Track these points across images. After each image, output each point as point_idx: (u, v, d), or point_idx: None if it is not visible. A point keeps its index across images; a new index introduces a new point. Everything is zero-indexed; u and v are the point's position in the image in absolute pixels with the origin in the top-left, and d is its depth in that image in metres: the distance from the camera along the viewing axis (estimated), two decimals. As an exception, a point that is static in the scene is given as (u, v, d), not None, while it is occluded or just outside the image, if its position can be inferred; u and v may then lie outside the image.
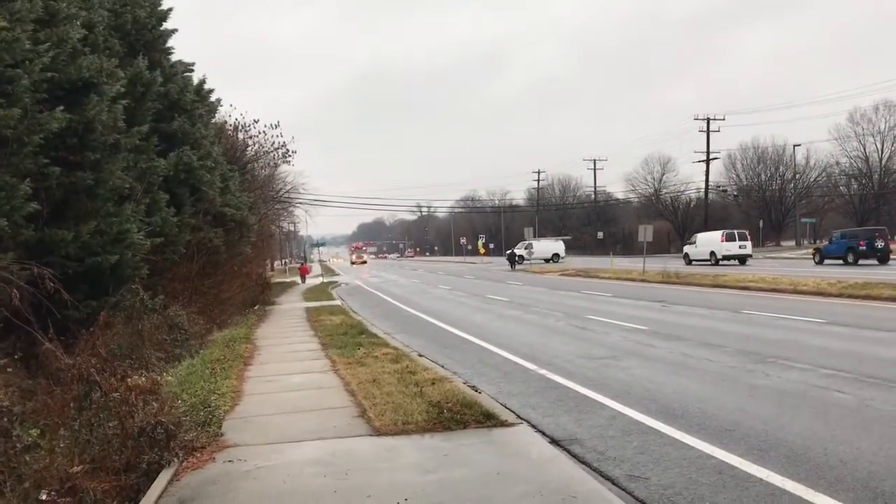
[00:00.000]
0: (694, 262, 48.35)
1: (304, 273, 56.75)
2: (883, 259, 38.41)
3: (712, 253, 47.07)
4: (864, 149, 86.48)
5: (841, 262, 40.05)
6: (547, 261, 65.37)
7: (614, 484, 6.21)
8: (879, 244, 38.71)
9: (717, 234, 48.74)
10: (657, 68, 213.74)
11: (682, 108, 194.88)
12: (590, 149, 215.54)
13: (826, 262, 41.39)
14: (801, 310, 18.67)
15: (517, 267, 58.36)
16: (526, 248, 63.55)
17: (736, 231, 48.47)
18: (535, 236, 66.99)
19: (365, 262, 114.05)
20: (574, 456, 6.98)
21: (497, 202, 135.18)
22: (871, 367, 10.62)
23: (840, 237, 42.22)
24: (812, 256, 44.67)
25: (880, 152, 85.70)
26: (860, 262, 38.77)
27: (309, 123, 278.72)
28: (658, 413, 8.47)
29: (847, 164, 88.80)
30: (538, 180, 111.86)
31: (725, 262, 45.11)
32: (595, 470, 6.56)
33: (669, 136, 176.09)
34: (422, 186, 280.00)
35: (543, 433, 7.80)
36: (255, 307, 26.15)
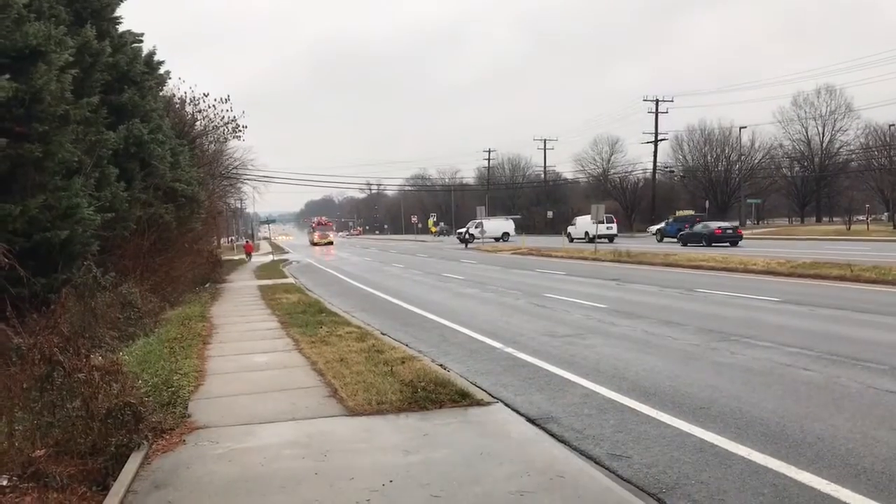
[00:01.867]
0: (575, 240, 56.80)
1: (248, 251, 56.34)
2: (709, 241, 44.07)
3: (586, 233, 55.38)
4: (807, 132, 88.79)
5: (675, 240, 49.14)
6: (497, 239, 65.72)
7: (597, 463, 6.16)
8: (699, 228, 46.81)
9: (589, 218, 54.15)
10: (611, 51, 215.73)
11: (633, 90, 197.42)
12: (541, 129, 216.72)
13: (665, 240, 53.23)
14: (755, 288, 19.02)
15: (469, 246, 58.44)
16: (477, 227, 63.89)
17: (605, 214, 54.37)
18: (486, 215, 67.45)
19: (331, 242, 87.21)
20: (553, 435, 6.91)
21: (447, 181, 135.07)
22: (832, 344, 10.82)
23: (673, 221, 56.29)
24: (656, 235, 57.80)
25: (821, 136, 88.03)
26: (714, 244, 43.26)
27: (266, 100, 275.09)
28: (630, 391, 8.47)
29: (790, 147, 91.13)
30: (489, 159, 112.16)
31: (599, 240, 49.95)
32: (576, 449, 6.50)
33: (619, 117, 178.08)
34: (373, 164, 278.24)
35: (518, 412, 7.72)
36: (207, 285, 25.61)
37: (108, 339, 12.00)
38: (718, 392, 8.28)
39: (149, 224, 18.48)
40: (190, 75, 65.75)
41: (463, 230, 66.22)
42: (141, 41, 20.87)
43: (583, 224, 56.81)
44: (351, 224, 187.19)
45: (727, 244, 42.37)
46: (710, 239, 43.57)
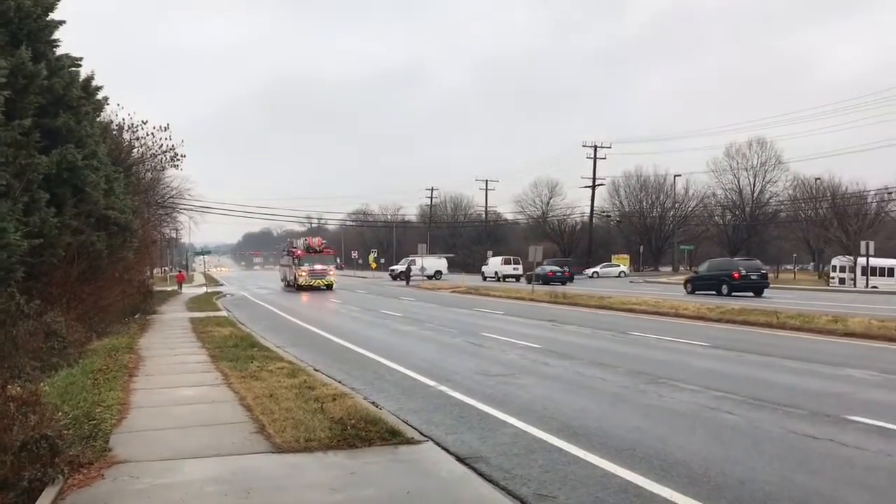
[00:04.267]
0: (487, 279, 64.26)
1: (180, 281, 55.73)
2: (545, 281, 51.67)
3: (496, 272, 64.95)
4: (738, 182, 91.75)
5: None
6: (430, 277, 66.04)
7: (523, 503, 6.18)
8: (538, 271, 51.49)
9: (499, 259, 68.05)
10: (558, 97, 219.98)
11: (576, 135, 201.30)
12: (485, 170, 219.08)
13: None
14: (686, 332, 19.44)
15: (410, 283, 58.48)
16: (409, 264, 64.93)
17: (511, 257, 67.52)
18: (427, 252, 68.34)
19: (331, 285, 49.21)
20: (481, 474, 6.91)
21: (389, 217, 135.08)
22: (756, 389, 11.11)
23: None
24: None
25: (752, 185, 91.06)
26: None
27: (213, 131, 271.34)
28: (559, 431, 8.53)
29: (723, 196, 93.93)
30: (431, 198, 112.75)
31: (507, 279, 62.18)
32: (503, 489, 6.50)
33: (560, 161, 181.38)
34: (314, 198, 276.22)
35: (448, 451, 7.69)
36: (137, 316, 24.95)
37: (29, 370, 11.58)
38: (645, 434, 8.41)
39: (79, 252, 17.98)
40: (137, 104, 64.88)
41: (396, 267, 67.90)
42: (79, 65, 20.50)
43: (493, 264, 67.06)
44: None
45: (558, 284, 50.42)
46: (545, 280, 51.68)
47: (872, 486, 6.55)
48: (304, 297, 42.35)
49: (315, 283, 48.38)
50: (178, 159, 38.58)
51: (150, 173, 42.52)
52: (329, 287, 48.77)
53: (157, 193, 47.69)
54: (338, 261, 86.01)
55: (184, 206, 60.82)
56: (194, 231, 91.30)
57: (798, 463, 7.21)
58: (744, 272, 37.81)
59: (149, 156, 38.53)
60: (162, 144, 37.32)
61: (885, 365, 13.71)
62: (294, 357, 15.03)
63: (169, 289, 51.31)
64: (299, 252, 50.45)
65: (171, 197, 55.24)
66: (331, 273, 50.25)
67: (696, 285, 39.95)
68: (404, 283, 59.54)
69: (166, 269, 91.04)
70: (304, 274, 48.54)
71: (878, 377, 12.37)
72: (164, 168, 42.14)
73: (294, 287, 49.18)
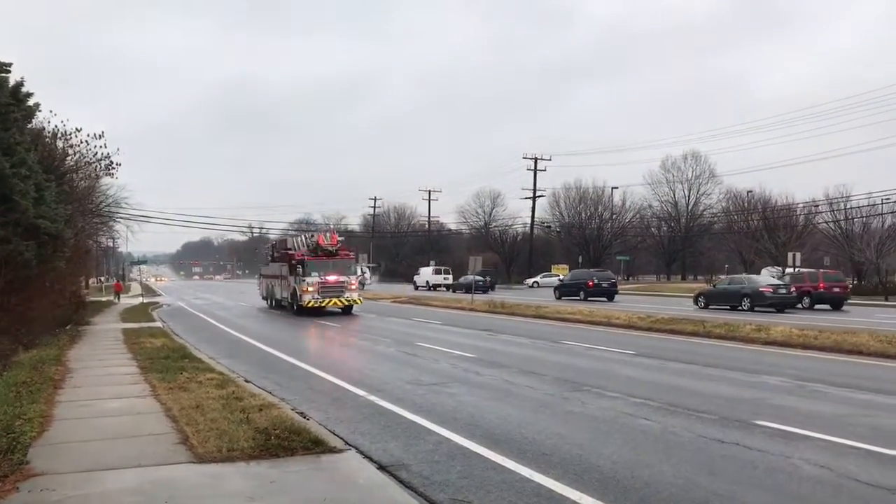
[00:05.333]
0: (419, 288, 67.49)
1: (118, 290, 54.83)
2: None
3: (427, 281, 68.29)
4: (674, 194, 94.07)
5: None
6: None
7: (439, 508, 6.38)
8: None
9: (430, 269, 71.93)
10: (503, 109, 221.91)
11: (520, 147, 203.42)
12: (429, 180, 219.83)
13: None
14: (615, 341, 19.96)
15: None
16: None
17: (442, 267, 71.51)
18: (370, 262, 68.81)
19: (350, 307, 33.18)
20: (401, 481, 7.09)
21: (332, 227, 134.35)
22: (674, 396, 11.55)
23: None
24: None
25: (687, 198, 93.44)
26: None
27: (159, 139, 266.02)
28: (482, 438, 8.77)
29: (659, 208, 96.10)
30: (374, 207, 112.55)
31: (437, 288, 65.42)
32: (421, 495, 6.70)
33: (503, 171, 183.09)
34: (256, 207, 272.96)
35: (371, 459, 7.86)
36: (69, 327, 24.45)
37: (-52, 383, 11.36)
38: (563, 440, 8.70)
39: (6, 261, 17.61)
40: (80, 114, 63.22)
41: None
42: (9, 71, 20.06)
43: (425, 274, 70.75)
44: (229, 266, 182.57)
45: (480, 292, 50.06)
46: (468, 288, 51.87)
47: (770, 487, 6.92)
48: (241, 305, 41.83)
49: (328, 302, 32.13)
50: (114, 168, 37.83)
51: (84, 181, 41.62)
52: (348, 309, 33.14)
53: (91, 202, 46.67)
54: (364, 268, 70.63)
55: (120, 215, 59.64)
56: (131, 240, 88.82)
57: (703, 466, 7.59)
58: (596, 281, 46.02)
59: (83, 164, 37.73)
60: (97, 152, 36.59)
61: (798, 372, 14.32)
62: (226, 368, 14.99)
63: (104, 299, 50.24)
64: (300, 255, 33.58)
65: (107, 206, 54.14)
66: (352, 286, 33.24)
67: (563, 291, 47.57)
68: None
69: (101, 279, 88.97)
70: (309, 289, 31.80)
71: (790, 384, 12.94)
72: (98, 176, 41.27)
73: (293, 307, 33.40)
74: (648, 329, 23.33)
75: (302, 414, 10.05)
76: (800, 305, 35.18)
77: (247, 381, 13.21)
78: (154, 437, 8.49)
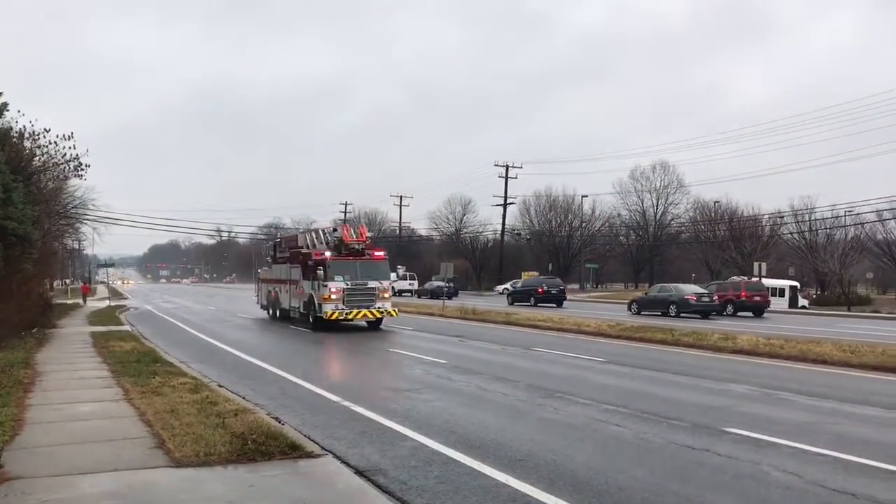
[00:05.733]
0: None
1: (84, 292, 54.25)
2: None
3: (393, 287, 67.40)
4: (642, 203, 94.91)
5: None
6: None
7: (417, 512, 6.46)
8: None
9: (394, 275, 72.73)
10: (476, 116, 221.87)
11: (496, 153, 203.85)
12: (401, 186, 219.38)
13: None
14: (585, 349, 20.18)
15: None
16: None
17: (407, 273, 73.13)
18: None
19: (379, 319, 27.19)
20: (379, 486, 7.16)
21: (302, 231, 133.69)
22: (645, 403, 11.74)
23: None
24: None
25: (655, 207, 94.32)
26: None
27: (129, 141, 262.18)
28: (458, 444, 8.87)
29: (627, 216, 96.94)
30: (345, 212, 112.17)
31: (403, 294, 63.80)
32: (399, 499, 6.77)
33: (473, 178, 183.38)
34: (226, 211, 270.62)
35: (348, 464, 7.91)
36: (35, 330, 24.13)
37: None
38: (538, 445, 8.83)
39: (-28, 263, 17.37)
40: (51, 114, 62.06)
41: None
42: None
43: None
44: (196, 270, 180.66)
45: (445, 298, 50.89)
46: (433, 294, 54.44)
47: (738, 492, 7.10)
48: (210, 309, 41.52)
49: (355, 314, 26.41)
50: (83, 169, 37.39)
51: (52, 182, 41.06)
52: (376, 323, 27.39)
53: (59, 203, 46.03)
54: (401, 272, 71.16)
55: (87, 217, 58.82)
56: (98, 242, 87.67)
57: (674, 471, 7.76)
58: (546, 288, 47.86)
59: (51, 164, 37.23)
60: (66, 153, 36.13)
61: (765, 380, 14.62)
62: (198, 373, 14.92)
63: (70, 302, 49.58)
64: (319, 254, 27.26)
65: (75, 207, 53.42)
66: (385, 294, 27.44)
67: (515, 298, 49.55)
68: None
69: (66, 281, 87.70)
70: (332, 297, 26.14)
71: (756, 391, 13.21)
72: (67, 178, 40.74)
73: (308, 319, 27.75)
74: (618, 336, 23.61)
75: (277, 419, 10.05)
76: (726, 312, 38.41)
77: (220, 385, 13.17)
78: (129, 441, 8.46)
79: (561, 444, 8.92)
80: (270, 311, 33.63)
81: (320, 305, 26.32)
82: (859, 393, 13.35)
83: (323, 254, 27.15)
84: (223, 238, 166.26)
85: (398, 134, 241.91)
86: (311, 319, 27.41)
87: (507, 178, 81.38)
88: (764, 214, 75.04)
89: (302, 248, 30.32)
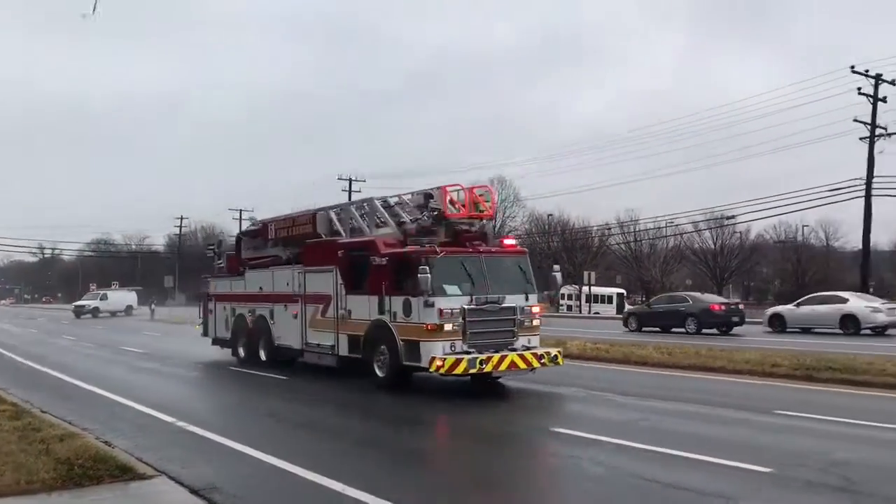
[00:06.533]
0: None
1: None
2: None
3: None
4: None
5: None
6: (114, 314, 62.57)
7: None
8: None
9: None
10: (327, 130, 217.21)
11: (340, 169, 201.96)
12: (243, 200, 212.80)
13: None
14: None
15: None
16: (101, 299, 63.09)
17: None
18: (175, 283, 66.32)
19: (534, 365, 13.81)
20: (213, 503, 7.14)
21: (134, 247, 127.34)
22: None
23: None
24: None
25: (494, 220, 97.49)
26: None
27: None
28: (293, 457, 8.90)
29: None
30: (180, 226, 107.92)
31: None
32: None
33: (317, 192, 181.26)
34: (48, 227, 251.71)
35: (183, 484, 7.80)
36: None
37: None
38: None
39: None
40: None
41: (83, 302, 63.42)
42: None
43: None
44: (16, 291, 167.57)
45: None
46: None
47: (558, 485, 7.68)
48: (31, 332, 38.71)
49: (495, 363, 13.34)
50: None
51: None
52: (530, 367, 13.92)
53: None
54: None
55: None
56: None
57: (508, 469, 8.24)
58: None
59: None
60: None
61: (591, 382, 15.56)
62: (20, 399, 14.00)
63: None
64: (396, 244, 14.85)
65: None
66: (534, 321, 14.71)
67: None
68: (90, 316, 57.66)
69: None
70: (445, 326, 13.31)
71: (582, 393, 14.11)
72: None
73: (375, 369, 14.44)
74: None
75: (107, 443, 9.71)
76: None
77: (44, 411, 12.44)
78: (-60, 474, 7.92)
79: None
80: (237, 350, 20.31)
81: (415, 345, 13.58)
82: (678, 391, 14.43)
83: (411, 243, 14.50)
84: (45, 255, 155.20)
85: (236, 150, 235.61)
86: (378, 372, 14.48)
87: (350, 191, 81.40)
88: (593, 226, 79.40)
89: (331, 234, 17.23)
